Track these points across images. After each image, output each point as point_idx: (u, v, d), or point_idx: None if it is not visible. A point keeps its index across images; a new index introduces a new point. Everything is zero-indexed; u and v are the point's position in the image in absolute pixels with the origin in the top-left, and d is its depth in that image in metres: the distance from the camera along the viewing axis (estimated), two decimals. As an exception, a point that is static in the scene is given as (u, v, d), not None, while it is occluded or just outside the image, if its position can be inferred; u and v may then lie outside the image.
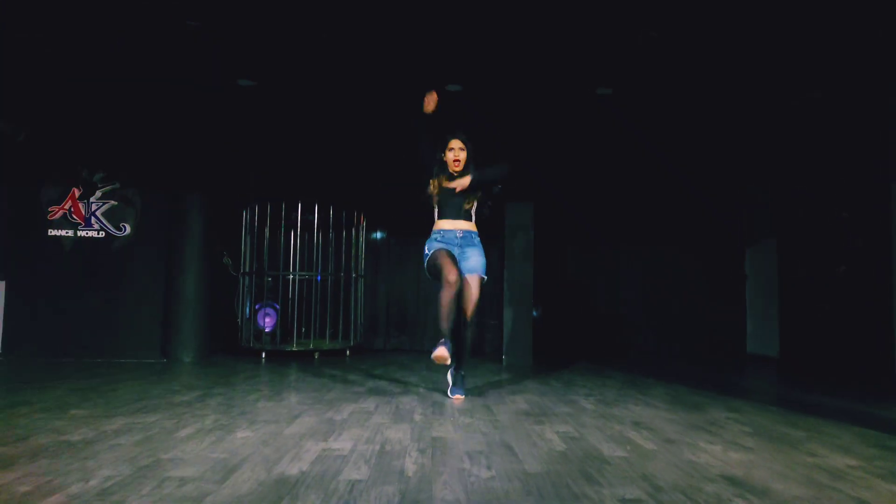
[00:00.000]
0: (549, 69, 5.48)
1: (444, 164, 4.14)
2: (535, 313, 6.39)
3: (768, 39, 4.77)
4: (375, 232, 7.99)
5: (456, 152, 4.10)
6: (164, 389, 4.24)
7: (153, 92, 6.26)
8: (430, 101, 4.00)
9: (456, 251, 4.05)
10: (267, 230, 6.85)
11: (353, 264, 7.26)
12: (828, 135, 6.37)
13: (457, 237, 4.07)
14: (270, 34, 4.95)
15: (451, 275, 3.86)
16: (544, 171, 7.64)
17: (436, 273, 3.99)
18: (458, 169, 4.10)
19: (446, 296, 3.88)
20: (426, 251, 4.09)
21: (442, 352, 3.80)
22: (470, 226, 4.14)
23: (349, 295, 7.23)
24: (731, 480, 2.22)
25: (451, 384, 4.12)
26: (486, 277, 4.08)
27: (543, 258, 7.19)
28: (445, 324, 3.93)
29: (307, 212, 6.88)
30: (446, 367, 4.18)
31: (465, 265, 4.03)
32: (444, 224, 4.13)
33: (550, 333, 7.38)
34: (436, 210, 4.18)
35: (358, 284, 7.30)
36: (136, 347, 6.22)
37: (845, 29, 4.56)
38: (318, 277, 7.06)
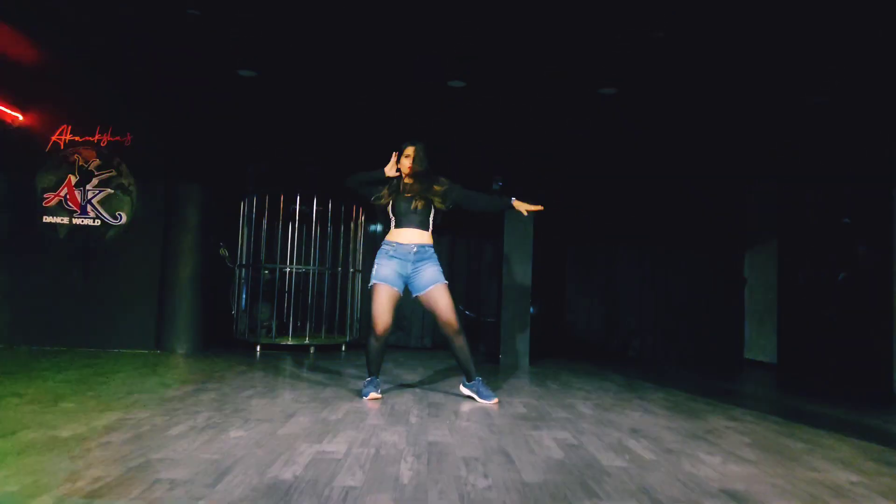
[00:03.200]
0: (553, 68, 5.42)
1: (394, 179, 4.00)
2: (532, 310, 6.34)
3: (774, 42, 4.72)
4: (374, 226, 7.92)
5: (412, 158, 3.97)
6: (157, 383, 4.19)
7: (152, 80, 6.18)
8: (394, 164, 3.98)
9: (409, 268, 3.89)
10: (265, 222, 6.79)
11: (350, 258, 7.21)
12: (831, 140, 6.32)
13: (411, 253, 3.89)
14: (272, 25, 4.88)
15: (381, 325, 3.81)
16: (545, 168, 7.60)
17: (372, 309, 3.85)
18: (409, 172, 3.97)
19: (373, 345, 3.89)
20: (374, 269, 3.92)
21: (373, 395, 3.91)
22: (426, 238, 3.95)
23: (346, 289, 7.18)
24: (732, 496, 2.19)
25: (476, 396, 3.93)
26: (447, 282, 3.94)
27: (542, 257, 7.15)
28: (372, 367, 3.97)
29: (305, 204, 6.82)
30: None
31: (421, 281, 3.88)
32: (400, 235, 3.94)
33: (548, 333, 7.34)
34: (392, 220, 3.99)
35: (355, 279, 7.25)
36: (130, 337, 6.16)
37: (850, 33, 4.51)
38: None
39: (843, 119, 5.97)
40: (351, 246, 7.23)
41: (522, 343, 6.18)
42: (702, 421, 3.56)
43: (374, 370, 3.98)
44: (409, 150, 3.98)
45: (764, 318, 7.40)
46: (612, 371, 5.96)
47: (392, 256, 3.90)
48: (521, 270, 6.24)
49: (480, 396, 3.92)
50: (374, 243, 7.84)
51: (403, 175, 3.99)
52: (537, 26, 4.67)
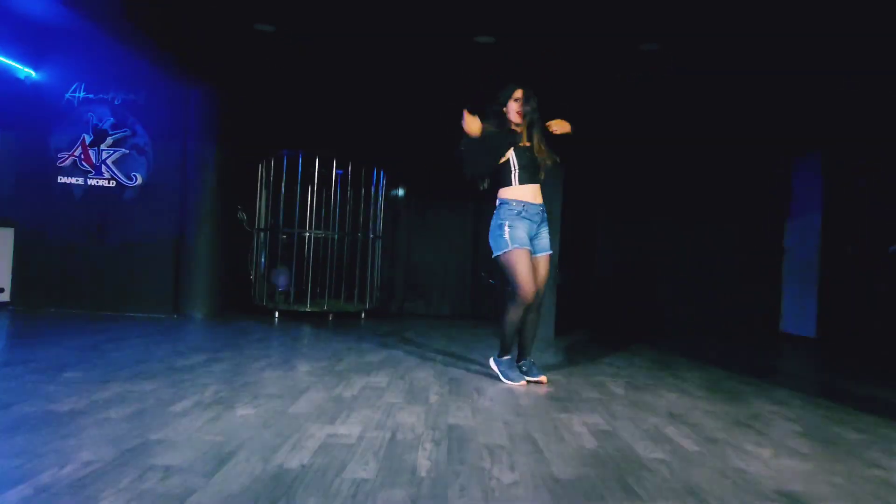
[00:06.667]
0: (589, 20, 5.04)
1: (502, 120, 3.55)
2: (558, 279, 6.06)
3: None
4: (395, 190, 7.67)
5: (521, 103, 3.52)
6: (169, 351, 4.04)
7: (167, 36, 5.93)
8: (470, 121, 3.42)
9: (534, 230, 3.54)
10: (283, 185, 6.57)
11: (371, 224, 6.98)
12: (886, 102, 5.85)
13: (538, 213, 3.54)
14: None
15: (530, 291, 3.40)
16: (578, 131, 7.23)
17: (511, 274, 3.42)
18: (520, 121, 3.54)
19: (518, 315, 3.45)
20: (506, 231, 3.44)
21: (523, 382, 3.51)
22: (541, 196, 3.60)
23: (366, 256, 6.97)
24: (791, 498, 1.94)
25: (524, 374, 3.59)
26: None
27: (572, 223, 6.83)
28: (512, 343, 3.58)
29: (325, 167, 6.57)
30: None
31: (537, 244, 3.56)
32: (525, 192, 3.49)
33: (576, 303, 7.08)
34: (513, 172, 3.50)
35: (375, 245, 7.03)
36: (146, 302, 6.05)
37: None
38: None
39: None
40: (372, 211, 6.99)
41: (548, 313, 5.91)
42: (744, 404, 3.30)
43: (512, 345, 3.59)
44: (518, 93, 3.53)
45: (803, 290, 7.04)
46: (645, 344, 5.69)
47: (523, 217, 3.47)
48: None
49: (530, 372, 3.61)
50: (396, 208, 7.60)
51: (513, 122, 3.55)
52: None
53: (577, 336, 6.03)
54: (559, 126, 3.58)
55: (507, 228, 3.44)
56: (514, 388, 3.46)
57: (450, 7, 4.96)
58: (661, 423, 2.81)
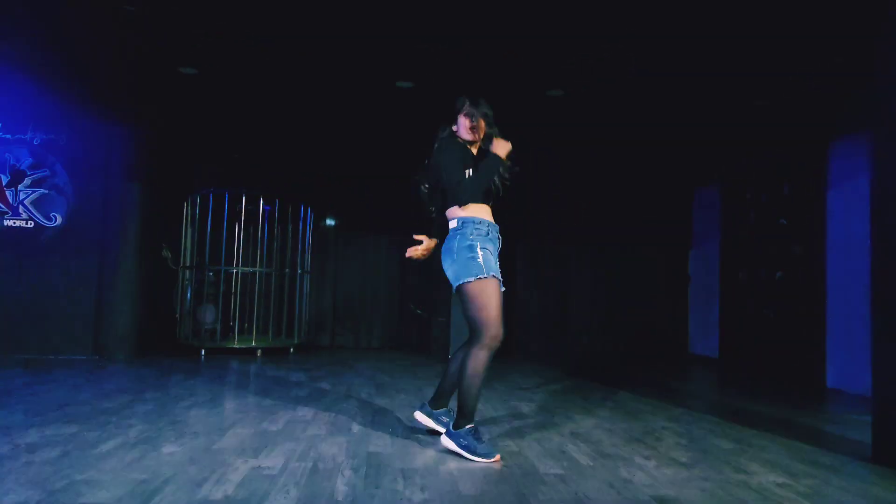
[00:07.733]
0: (502, 69, 5.43)
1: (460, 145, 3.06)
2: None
3: (717, 45, 4.83)
4: (322, 226, 7.82)
5: (470, 118, 3.03)
6: (92, 393, 4.05)
7: (89, 77, 5.95)
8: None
9: (496, 256, 3.00)
10: (209, 222, 6.62)
11: (299, 259, 7.10)
12: (770, 142, 6.52)
13: (498, 236, 3.04)
14: (210, 20, 4.74)
15: (500, 330, 2.87)
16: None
17: (480, 307, 2.81)
18: (470, 138, 3.07)
19: (486, 362, 2.86)
20: (478, 254, 2.83)
21: (488, 452, 2.73)
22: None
23: (294, 291, 7.07)
24: (662, 501, 2.23)
25: (462, 451, 2.76)
26: None
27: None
28: (475, 403, 2.88)
29: (252, 204, 6.68)
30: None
31: (498, 273, 2.97)
32: (486, 212, 3.01)
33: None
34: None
35: (304, 280, 7.15)
36: (67, 343, 5.93)
37: (789, 44, 4.65)
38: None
39: (782, 123, 6.15)
40: (300, 247, 7.12)
41: (472, 343, 6.18)
42: (642, 422, 3.63)
43: (476, 405, 2.89)
44: (467, 107, 3.06)
45: (706, 314, 7.60)
46: (560, 370, 6.03)
47: (490, 239, 2.95)
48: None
49: (467, 451, 2.74)
50: (324, 243, 7.75)
51: (473, 140, 3.07)
52: (490, 25, 4.67)
53: (498, 363, 6.30)
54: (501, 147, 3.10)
55: (479, 251, 2.84)
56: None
57: (372, 56, 5.24)
58: (564, 441, 3.09)
